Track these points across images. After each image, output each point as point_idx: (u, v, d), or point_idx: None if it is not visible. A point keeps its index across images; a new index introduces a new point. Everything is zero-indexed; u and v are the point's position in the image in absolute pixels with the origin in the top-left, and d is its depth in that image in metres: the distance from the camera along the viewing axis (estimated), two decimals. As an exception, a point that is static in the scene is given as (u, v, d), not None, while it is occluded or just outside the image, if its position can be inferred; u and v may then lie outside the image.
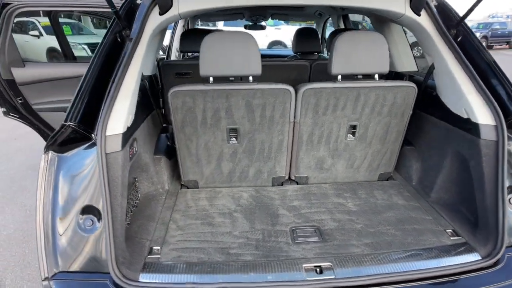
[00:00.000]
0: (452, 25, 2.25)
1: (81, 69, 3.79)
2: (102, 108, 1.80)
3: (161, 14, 2.11)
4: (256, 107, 2.37)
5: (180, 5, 2.12)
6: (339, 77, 2.35)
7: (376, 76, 2.38)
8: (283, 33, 16.28)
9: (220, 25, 13.16)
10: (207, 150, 2.53)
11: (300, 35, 4.13)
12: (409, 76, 3.03)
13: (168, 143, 2.90)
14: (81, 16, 13.94)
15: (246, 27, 5.86)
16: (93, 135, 1.77)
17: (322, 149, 2.62)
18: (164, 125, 3.19)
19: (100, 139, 1.67)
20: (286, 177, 2.78)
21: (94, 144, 1.73)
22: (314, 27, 5.64)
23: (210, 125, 2.42)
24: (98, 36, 13.22)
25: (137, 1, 2.20)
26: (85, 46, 11.74)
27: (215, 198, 2.57)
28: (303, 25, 17.85)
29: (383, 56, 2.32)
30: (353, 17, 6.07)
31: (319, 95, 2.37)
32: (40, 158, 1.70)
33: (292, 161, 2.69)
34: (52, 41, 11.22)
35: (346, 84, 2.35)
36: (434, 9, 2.26)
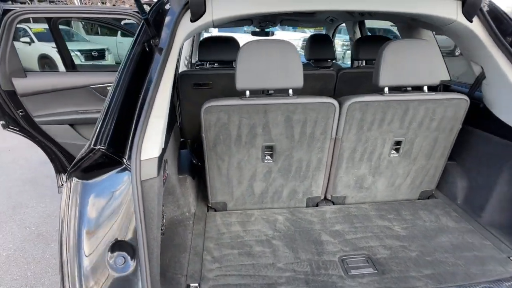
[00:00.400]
0: (508, 32, 2.07)
1: (84, 79, 3.59)
2: (133, 128, 1.57)
3: (192, 20, 1.89)
4: (296, 123, 2.17)
5: (215, 10, 1.91)
6: (386, 89, 2.16)
7: (425, 88, 2.19)
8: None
9: (214, 30, 12.84)
10: (239, 169, 2.32)
11: (314, 42, 3.96)
12: (444, 86, 2.86)
13: (194, 161, 2.67)
14: (72, 22, 13.69)
15: (253, 33, 5.67)
16: (124, 159, 1.54)
17: (363, 166, 2.43)
18: (181, 139, 2.97)
19: (135, 165, 1.44)
20: (322, 197, 2.58)
21: (125, 170, 1.50)
22: (324, 33, 5.47)
23: (244, 142, 2.21)
24: (91, 42, 12.98)
25: (165, 7, 1.98)
26: (78, 53, 11.52)
27: (248, 222, 2.35)
28: (299, 30, 17.65)
29: (434, 65, 2.14)
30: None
31: (365, 109, 2.17)
32: (64, 185, 1.48)
33: (330, 180, 2.50)
34: (43, 48, 11.06)
35: (395, 96, 2.16)
36: (487, 15, 2.08)
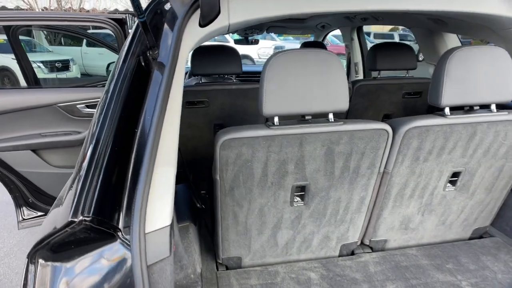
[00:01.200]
0: None
1: (49, 96, 3.03)
2: (129, 184, 1.09)
3: (202, 25, 1.43)
4: (339, 156, 1.73)
5: (232, 12, 1.45)
6: (447, 109, 1.76)
7: (493, 106, 1.80)
8: (250, 46, 15.68)
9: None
10: (261, 217, 1.85)
11: None
12: None
13: (198, 205, 2.17)
14: (33, 32, 12.91)
15: (236, 42, 5.23)
16: (119, 232, 1.05)
17: (412, 204, 2.01)
18: None
19: (139, 242, 0.96)
20: (359, 243, 2.15)
21: (122, 246, 1.02)
22: (312, 40, 5.12)
23: (271, 183, 1.74)
24: (54, 53, 12.23)
25: (164, 7, 1.49)
26: (40, 64, 10.79)
27: (274, 285, 1.87)
28: (268, 38, 17.30)
29: (506, 78, 1.74)
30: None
31: (425, 135, 1.77)
32: (24, 271, 0.98)
33: (370, 223, 2.07)
34: (3, 60, 10.26)
35: (461, 119, 1.77)
36: None
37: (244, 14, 1.49)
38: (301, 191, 1.86)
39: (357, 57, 4.52)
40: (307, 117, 1.66)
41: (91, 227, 1.05)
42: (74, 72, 11.68)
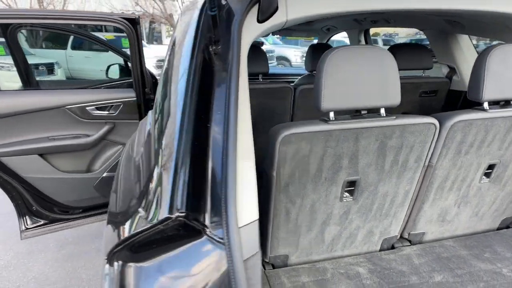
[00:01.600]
0: None
1: (49, 99, 2.88)
2: (211, 179, 1.04)
3: (260, 21, 1.43)
4: (390, 150, 1.76)
5: (290, 8, 1.46)
6: (486, 104, 1.83)
7: None
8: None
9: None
10: (312, 213, 1.86)
11: (315, 51, 3.66)
12: None
13: None
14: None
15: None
16: (208, 229, 0.98)
17: (450, 197, 2.08)
18: None
19: (235, 235, 0.93)
20: (398, 236, 2.20)
21: (210, 242, 0.97)
22: (316, 42, 5.12)
23: (324, 179, 1.76)
24: (37, 56, 11.89)
25: (221, 1, 1.46)
26: (23, 68, 10.45)
27: (326, 281, 1.89)
28: (269, 42, 17.24)
29: None
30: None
31: (468, 129, 1.83)
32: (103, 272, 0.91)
33: (410, 216, 2.12)
34: (-17, 62, 9.93)
35: (500, 112, 1.84)
36: None
37: (302, 10, 1.50)
38: (350, 186, 1.88)
39: (364, 59, 4.55)
40: (363, 112, 1.71)
41: (184, 224, 1.01)
42: (59, 75, 11.41)
